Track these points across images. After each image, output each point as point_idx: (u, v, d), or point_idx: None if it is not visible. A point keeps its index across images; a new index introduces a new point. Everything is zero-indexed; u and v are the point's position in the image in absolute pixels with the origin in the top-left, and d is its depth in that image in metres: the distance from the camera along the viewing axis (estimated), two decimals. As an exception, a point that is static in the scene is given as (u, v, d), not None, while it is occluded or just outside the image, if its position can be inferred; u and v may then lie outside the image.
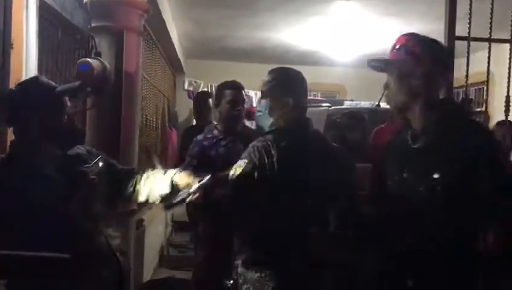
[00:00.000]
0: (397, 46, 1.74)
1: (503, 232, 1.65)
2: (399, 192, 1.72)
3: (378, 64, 1.78)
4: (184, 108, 6.40)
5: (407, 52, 1.70)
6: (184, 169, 2.90)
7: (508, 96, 2.94)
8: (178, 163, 3.58)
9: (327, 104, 4.82)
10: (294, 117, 1.96)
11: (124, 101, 2.85)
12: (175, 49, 5.38)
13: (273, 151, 1.82)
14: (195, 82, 5.47)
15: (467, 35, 2.83)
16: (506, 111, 2.97)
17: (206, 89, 5.49)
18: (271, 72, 2.05)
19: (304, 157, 1.88)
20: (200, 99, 4.45)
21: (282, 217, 1.87)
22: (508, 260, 1.64)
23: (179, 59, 6.14)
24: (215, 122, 3.19)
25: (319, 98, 7.03)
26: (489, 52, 2.89)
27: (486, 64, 2.93)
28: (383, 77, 1.94)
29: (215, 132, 2.98)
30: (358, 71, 6.34)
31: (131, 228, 2.96)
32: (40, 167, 1.70)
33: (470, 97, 3.36)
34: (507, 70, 2.88)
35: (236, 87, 2.96)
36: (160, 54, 5.43)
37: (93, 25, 2.84)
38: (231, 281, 1.95)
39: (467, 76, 2.83)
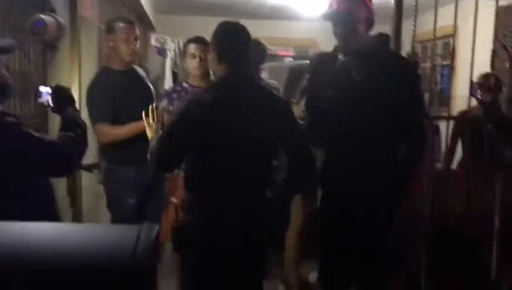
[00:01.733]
0: None
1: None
2: (345, 112, 2.15)
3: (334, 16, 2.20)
4: (156, 64, 6.40)
5: (356, 1, 2.15)
6: None
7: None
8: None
9: (289, 59, 4.89)
10: (225, 71, 2.01)
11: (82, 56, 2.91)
12: (141, 5, 5.35)
13: (194, 106, 1.91)
14: (162, 38, 5.46)
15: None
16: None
17: (173, 45, 5.50)
18: None
19: (230, 110, 1.94)
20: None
21: (205, 167, 2.00)
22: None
23: (148, 16, 6.10)
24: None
25: (291, 53, 7.07)
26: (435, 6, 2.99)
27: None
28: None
29: (185, 84, 3.09)
30: (330, 25, 6.34)
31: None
32: None
33: (416, 51, 3.53)
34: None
35: (196, 41, 3.03)
36: (127, 11, 5.39)
37: (47, -19, 2.85)
38: (176, 225, 2.08)
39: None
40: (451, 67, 5.44)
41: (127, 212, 2.85)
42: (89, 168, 3.01)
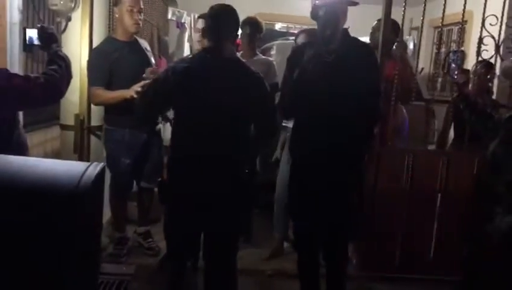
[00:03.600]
0: None
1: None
2: (320, 91, 2.41)
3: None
4: (175, 37, 6.62)
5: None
6: None
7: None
8: None
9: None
10: (206, 45, 2.29)
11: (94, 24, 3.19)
12: (162, -21, 5.58)
13: (170, 72, 2.21)
14: (178, 11, 5.67)
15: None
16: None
17: (188, 18, 5.72)
18: None
19: (199, 78, 2.20)
20: None
21: (179, 129, 2.28)
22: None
23: (169, -11, 6.34)
24: None
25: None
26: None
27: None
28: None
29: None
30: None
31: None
32: None
33: (405, 39, 3.73)
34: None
35: (203, 17, 3.26)
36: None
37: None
38: (160, 179, 2.37)
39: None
40: (460, 53, 5.51)
41: (123, 170, 3.16)
42: (95, 130, 3.31)
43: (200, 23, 3.31)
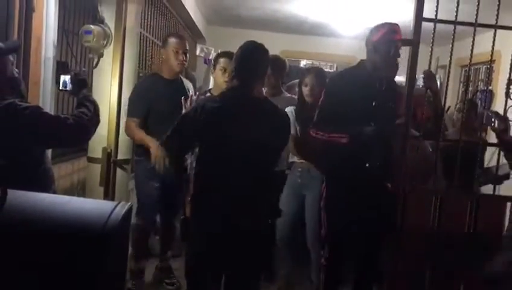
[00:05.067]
0: (397, 30, 2.80)
1: None
2: (371, 115, 2.66)
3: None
4: (202, 72, 6.75)
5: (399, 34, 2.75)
6: None
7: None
8: None
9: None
10: (234, 84, 2.29)
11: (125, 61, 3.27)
12: (190, 16, 5.71)
13: (199, 109, 2.21)
14: (207, 48, 5.79)
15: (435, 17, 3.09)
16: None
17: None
18: None
19: (227, 117, 2.22)
20: None
21: (202, 166, 2.29)
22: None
23: (197, 27, 6.50)
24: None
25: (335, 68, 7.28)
26: (452, 34, 3.12)
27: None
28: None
29: (208, 94, 3.39)
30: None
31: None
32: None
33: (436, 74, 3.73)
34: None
35: (226, 56, 3.32)
36: (176, 21, 5.79)
37: (100, -7, 3.23)
38: (182, 216, 2.37)
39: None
40: (487, 93, 5.46)
41: (151, 192, 3.19)
42: (121, 163, 3.35)
43: (223, 62, 3.35)
